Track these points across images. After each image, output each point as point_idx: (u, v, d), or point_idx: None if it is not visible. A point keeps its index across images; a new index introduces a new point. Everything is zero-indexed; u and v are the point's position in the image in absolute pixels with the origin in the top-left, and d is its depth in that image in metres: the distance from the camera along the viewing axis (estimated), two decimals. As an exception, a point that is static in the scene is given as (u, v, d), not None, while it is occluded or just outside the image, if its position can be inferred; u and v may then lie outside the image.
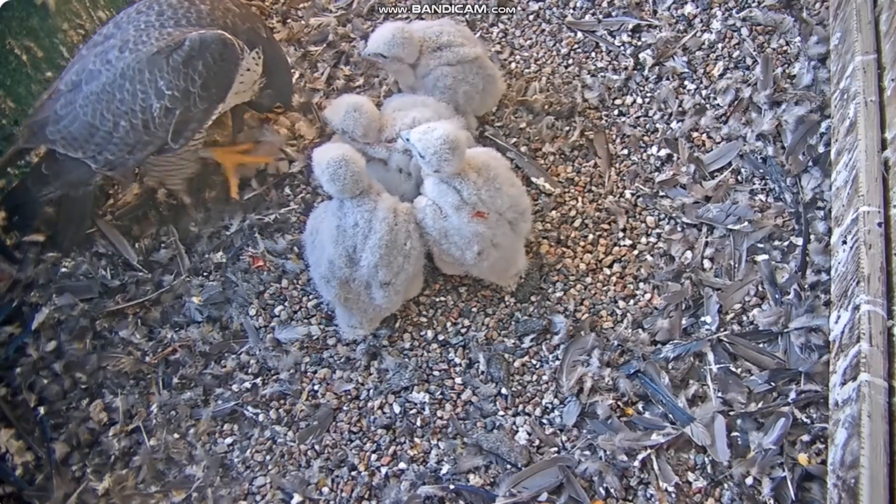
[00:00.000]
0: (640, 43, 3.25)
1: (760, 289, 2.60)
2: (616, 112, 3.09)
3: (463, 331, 2.61)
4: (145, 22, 2.37)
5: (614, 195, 2.87)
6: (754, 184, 2.84)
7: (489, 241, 2.44)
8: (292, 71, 2.96)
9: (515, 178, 2.58)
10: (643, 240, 2.77)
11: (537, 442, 2.38)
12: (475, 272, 2.58)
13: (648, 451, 2.31)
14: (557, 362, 2.51)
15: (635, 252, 2.74)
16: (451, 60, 2.79)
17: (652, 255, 2.73)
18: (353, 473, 2.37)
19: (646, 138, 3.01)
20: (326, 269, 2.40)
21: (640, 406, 2.43)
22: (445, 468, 2.35)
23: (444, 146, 2.33)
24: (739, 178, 2.86)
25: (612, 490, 2.26)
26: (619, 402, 2.43)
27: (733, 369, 2.45)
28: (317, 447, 2.43)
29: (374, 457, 2.39)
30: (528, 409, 2.45)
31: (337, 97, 2.81)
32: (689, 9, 3.31)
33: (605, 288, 2.68)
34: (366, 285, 2.42)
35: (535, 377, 2.51)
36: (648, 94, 3.11)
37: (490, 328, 2.61)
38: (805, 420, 2.32)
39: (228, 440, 2.45)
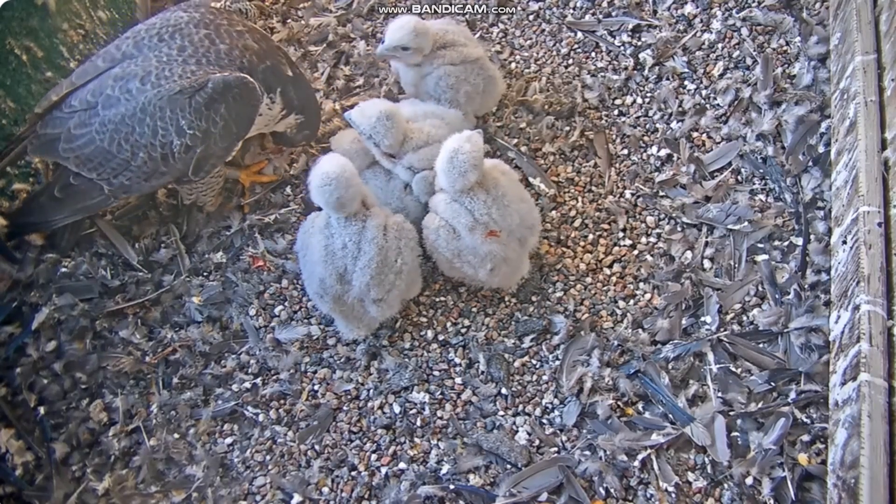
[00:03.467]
0: (640, 43, 3.25)
1: (760, 289, 2.60)
2: (616, 112, 3.09)
3: (463, 331, 2.61)
4: (167, 55, 2.37)
5: (614, 195, 2.87)
6: (754, 184, 2.84)
7: (501, 258, 2.45)
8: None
9: (525, 191, 2.59)
10: (643, 240, 2.77)
11: (537, 442, 2.38)
12: (484, 284, 2.59)
13: (648, 451, 2.31)
14: (557, 362, 2.51)
15: (635, 252, 2.74)
16: (455, 60, 2.79)
17: (652, 255, 2.73)
18: (353, 473, 2.37)
19: (646, 138, 3.01)
20: (318, 286, 2.42)
21: (640, 406, 2.43)
22: (445, 468, 2.35)
23: (466, 161, 2.34)
24: (739, 178, 2.86)
25: (612, 490, 2.26)
26: (619, 402, 2.43)
27: (733, 369, 2.45)
28: (317, 447, 2.43)
29: (374, 457, 2.39)
30: (528, 409, 2.45)
31: (362, 100, 2.72)
32: (689, 9, 3.31)
33: (605, 288, 2.68)
34: (359, 300, 2.43)
35: (535, 377, 2.51)
36: (648, 94, 3.11)
37: (490, 328, 2.61)
38: (805, 420, 2.32)
39: (228, 440, 2.45)
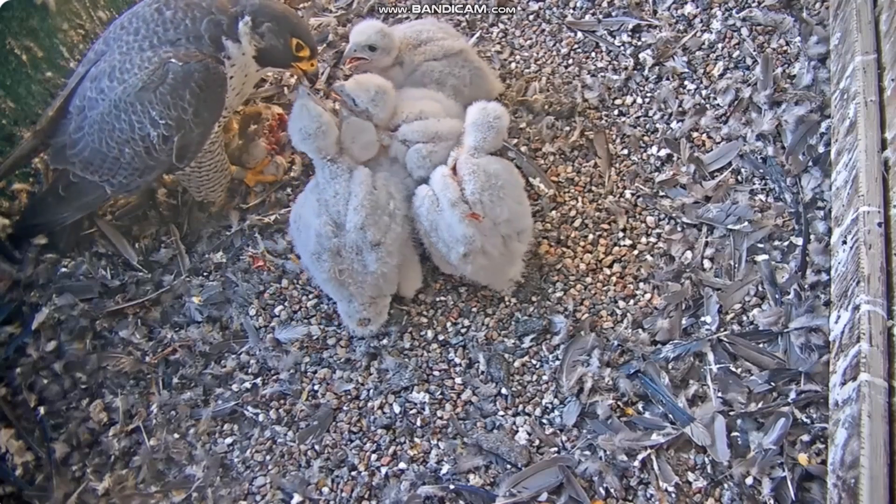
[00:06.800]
0: (640, 43, 3.25)
1: (760, 289, 2.60)
2: (616, 112, 3.09)
3: (463, 331, 2.61)
4: (127, 44, 2.39)
5: (614, 195, 2.87)
6: (754, 184, 2.84)
7: (478, 247, 2.44)
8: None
9: (524, 198, 2.59)
10: (643, 240, 2.77)
11: (537, 442, 2.38)
12: (463, 273, 2.57)
13: (648, 451, 2.31)
14: (557, 362, 2.51)
15: (635, 252, 2.74)
16: (437, 55, 2.79)
17: (652, 255, 2.73)
18: (353, 473, 2.37)
19: (646, 138, 3.01)
20: (315, 244, 2.42)
21: (640, 406, 2.43)
22: (445, 468, 2.35)
23: (499, 121, 2.50)
24: (739, 178, 2.86)
25: (612, 490, 2.26)
26: (619, 402, 2.43)
27: (733, 369, 2.45)
28: (317, 447, 2.42)
29: (374, 457, 2.39)
30: (528, 409, 2.45)
31: (359, 73, 2.69)
32: (689, 9, 3.31)
33: (605, 288, 2.68)
34: (357, 251, 2.43)
35: (535, 377, 2.51)
36: (648, 94, 3.11)
37: (490, 328, 2.61)
38: (805, 420, 2.33)
39: (228, 440, 2.45)
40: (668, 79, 3.12)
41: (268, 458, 2.41)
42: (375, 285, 2.49)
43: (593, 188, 2.90)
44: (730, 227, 2.71)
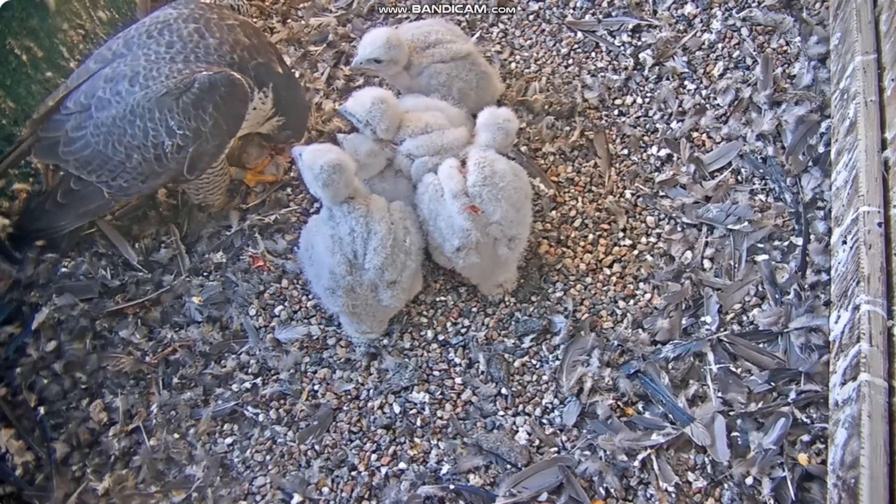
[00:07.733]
0: (640, 43, 3.25)
1: (760, 289, 2.60)
2: (616, 112, 3.09)
3: (463, 331, 2.61)
4: (156, 53, 2.36)
5: (614, 195, 2.87)
6: (754, 184, 2.84)
7: (473, 242, 2.43)
8: (300, 85, 2.88)
9: (526, 207, 2.55)
10: (643, 240, 2.77)
11: (537, 442, 2.38)
12: (457, 266, 2.55)
13: (648, 451, 2.31)
14: (557, 362, 2.51)
15: (635, 252, 2.74)
16: (444, 57, 2.79)
17: (652, 255, 2.73)
18: (353, 473, 2.37)
19: (646, 138, 3.01)
20: (329, 280, 2.40)
21: (640, 406, 2.43)
22: (445, 468, 2.35)
23: (508, 123, 2.56)
24: (739, 178, 2.86)
25: (612, 490, 2.26)
26: (619, 402, 2.43)
27: (733, 369, 2.45)
28: (317, 447, 2.42)
29: (374, 457, 2.39)
30: (528, 409, 2.45)
31: (356, 91, 2.72)
32: (689, 9, 3.31)
33: (605, 288, 2.68)
34: (372, 288, 2.42)
35: (535, 377, 2.51)
36: (648, 94, 3.11)
37: (490, 328, 2.61)
38: (805, 420, 2.33)
39: (228, 440, 2.45)
40: (668, 79, 3.13)
41: (268, 458, 2.41)
42: (387, 313, 2.54)
43: (593, 188, 2.90)
44: (730, 227, 2.71)
